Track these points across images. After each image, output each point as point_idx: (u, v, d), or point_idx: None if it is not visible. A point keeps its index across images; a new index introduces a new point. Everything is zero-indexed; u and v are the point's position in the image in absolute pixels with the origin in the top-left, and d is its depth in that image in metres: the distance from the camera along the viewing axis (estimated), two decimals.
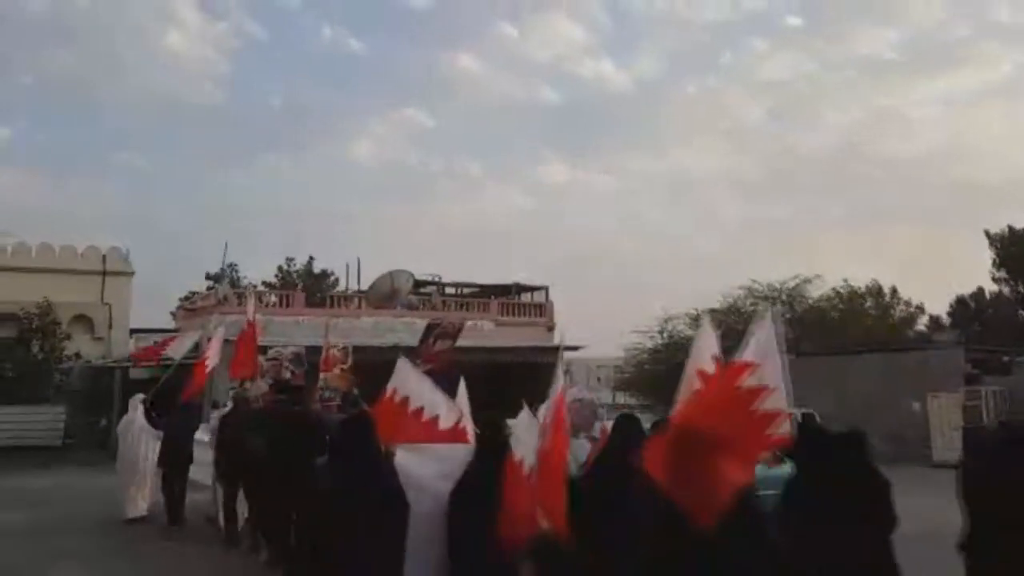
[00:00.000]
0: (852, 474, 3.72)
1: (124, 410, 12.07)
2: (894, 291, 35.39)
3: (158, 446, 10.67)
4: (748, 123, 66.57)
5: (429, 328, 14.12)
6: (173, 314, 29.14)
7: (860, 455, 3.86)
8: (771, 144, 65.77)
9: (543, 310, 30.20)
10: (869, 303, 34.41)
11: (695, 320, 35.11)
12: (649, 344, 32.75)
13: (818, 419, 13.96)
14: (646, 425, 4.98)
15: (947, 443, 19.67)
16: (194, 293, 31.37)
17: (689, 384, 3.86)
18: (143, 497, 10.90)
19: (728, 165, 65.26)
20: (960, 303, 37.95)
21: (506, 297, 30.63)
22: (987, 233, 36.21)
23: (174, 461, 10.34)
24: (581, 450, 5.06)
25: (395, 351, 7.72)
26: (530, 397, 5.20)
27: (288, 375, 10.80)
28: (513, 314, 29.19)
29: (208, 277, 34.40)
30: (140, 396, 11.62)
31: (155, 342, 22.90)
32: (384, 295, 26.20)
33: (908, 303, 36.12)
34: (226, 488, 9.32)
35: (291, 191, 63.10)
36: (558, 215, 65.45)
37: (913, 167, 60.78)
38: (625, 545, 3.92)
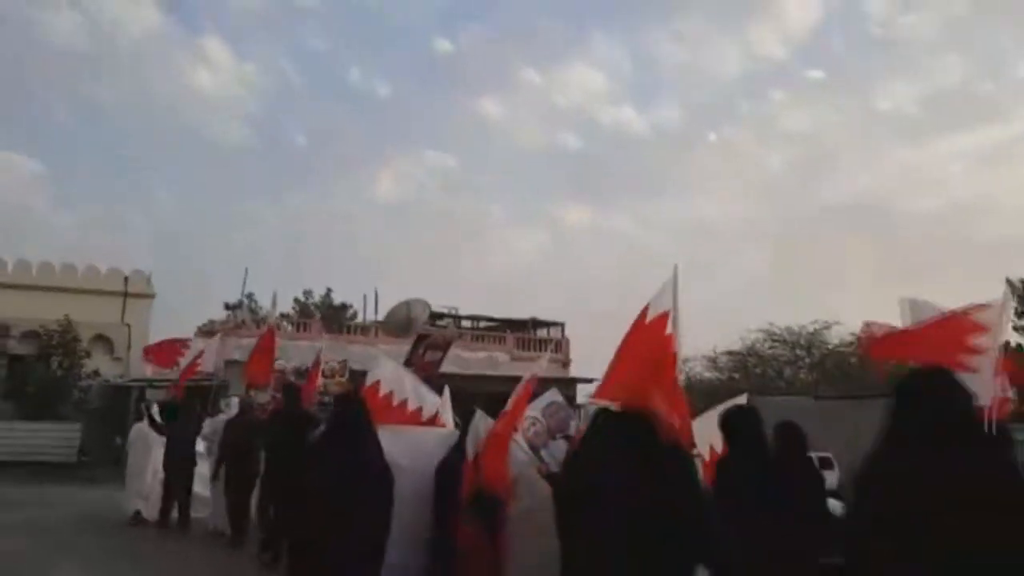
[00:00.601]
0: None
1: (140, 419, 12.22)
2: None
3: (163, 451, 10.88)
4: (768, 173, 66.82)
5: (419, 339, 14.54)
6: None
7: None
8: (791, 194, 65.90)
9: (559, 346, 30.20)
10: None
11: (713, 362, 35.03)
12: None
13: (835, 463, 13.86)
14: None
15: None
16: (212, 321, 31.68)
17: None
18: (148, 500, 11.02)
19: (747, 214, 65.36)
20: None
21: (522, 332, 30.67)
22: (1008, 281, 35.90)
23: (177, 466, 10.52)
24: (558, 450, 5.33)
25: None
26: None
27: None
28: (529, 348, 29.21)
29: (227, 307, 34.77)
30: (146, 404, 11.95)
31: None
32: (400, 324, 26.28)
33: None
34: (234, 492, 9.39)
35: (314, 226, 63.83)
36: (577, 256, 65.67)
37: (936, 220, 60.62)
38: (605, 531, 3.79)
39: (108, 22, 58.08)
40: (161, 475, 10.79)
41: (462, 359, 26.50)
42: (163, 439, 10.93)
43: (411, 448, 5.41)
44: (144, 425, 11.37)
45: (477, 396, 9.23)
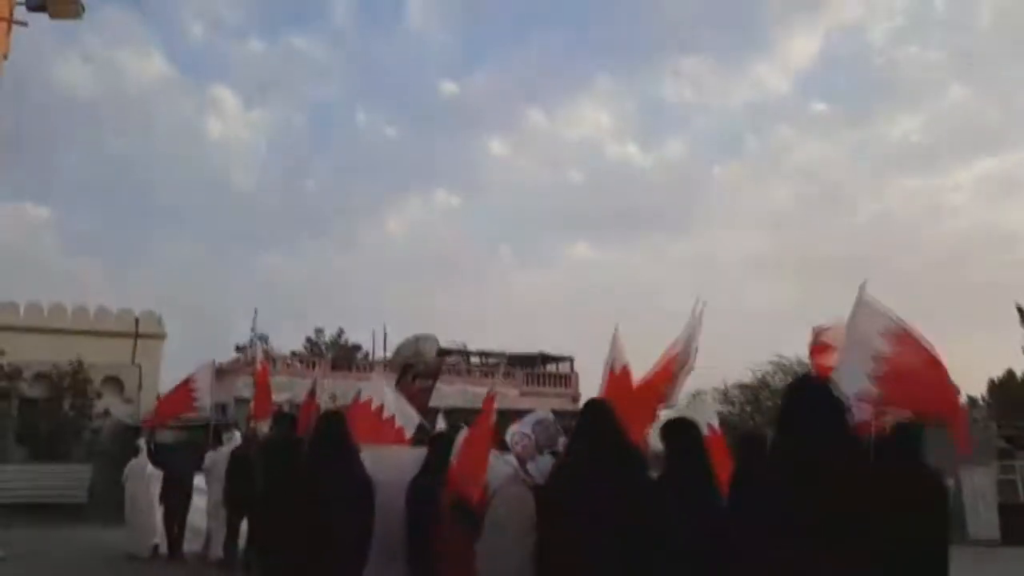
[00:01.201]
0: None
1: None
2: None
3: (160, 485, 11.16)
4: (774, 205, 66.98)
5: (405, 368, 14.67)
6: None
7: None
8: (797, 227, 65.97)
9: (568, 381, 30.15)
10: None
11: (724, 395, 34.75)
12: None
13: None
14: None
15: (983, 519, 19.07)
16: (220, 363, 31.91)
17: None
18: (150, 535, 11.21)
19: (754, 246, 65.44)
20: (995, 384, 37.53)
21: (531, 367, 30.64)
22: (1019, 308, 35.67)
23: (174, 498, 10.82)
24: (544, 464, 5.43)
25: None
26: None
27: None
28: (538, 384, 29.19)
29: (238, 348, 34.96)
30: (143, 440, 12.21)
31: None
32: (408, 360, 26.37)
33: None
34: (230, 516, 9.56)
35: (323, 267, 64.30)
36: (584, 291, 65.75)
37: (945, 250, 60.45)
38: (590, 542, 4.21)
39: (117, 73, 59.35)
40: (160, 508, 11.04)
41: (470, 394, 26.47)
42: (159, 473, 11.20)
43: (389, 464, 5.66)
44: (137, 462, 11.66)
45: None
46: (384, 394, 6.64)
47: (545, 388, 29.16)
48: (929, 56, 66.39)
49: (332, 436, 5.30)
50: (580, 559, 4.09)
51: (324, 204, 68.14)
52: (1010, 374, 37.52)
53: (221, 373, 26.07)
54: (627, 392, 5.84)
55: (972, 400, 36.61)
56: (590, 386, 30.12)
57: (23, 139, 56.74)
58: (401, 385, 13.64)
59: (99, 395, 24.81)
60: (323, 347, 40.03)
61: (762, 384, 33.64)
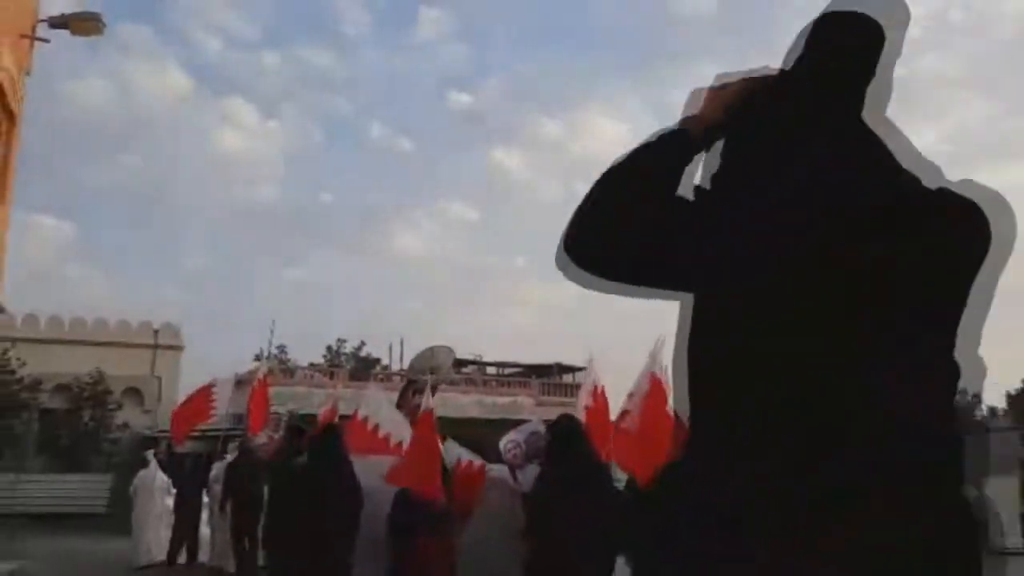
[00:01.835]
0: None
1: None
2: None
3: (172, 497, 11.43)
4: None
5: (408, 384, 14.79)
6: None
7: None
8: None
9: None
10: None
11: None
12: None
13: None
14: None
15: (1008, 528, 18.89)
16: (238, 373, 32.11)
17: None
18: (153, 548, 11.44)
19: None
20: (1011, 397, 37.37)
21: (547, 377, 30.62)
22: None
23: (185, 509, 11.07)
24: (531, 473, 5.77)
25: None
26: None
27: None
28: (554, 394, 29.14)
29: (257, 359, 35.16)
30: (151, 452, 12.45)
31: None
32: (423, 371, 26.41)
33: (963, 392, 35.26)
34: (234, 530, 9.67)
35: (340, 281, 64.62)
36: (604, 301, 65.71)
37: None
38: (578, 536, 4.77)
39: (136, 87, 59.99)
40: (170, 519, 11.27)
41: (486, 404, 26.52)
42: (167, 484, 11.44)
43: (377, 474, 6.03)
44: (146, 473, 11.84)
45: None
46: (379, 409, 7.17)
47: (562, 397, 29.08)
48: (948, 65, 65.97)
49: (327, 448, 5.94)
50: (564, 559, 4.62)
51: (340, 216, 68.50)
52: None
53: (240, 384, 26.33)
54: (603, 412, 7.00)
55: (992, 411, 36.48)
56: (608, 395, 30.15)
57: (44, 154, 57.61)
58: (403, 402, 13.77)
59: (119, 406, 25.10)
60: (342, 358, 40.13)
61: None
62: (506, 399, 27.66)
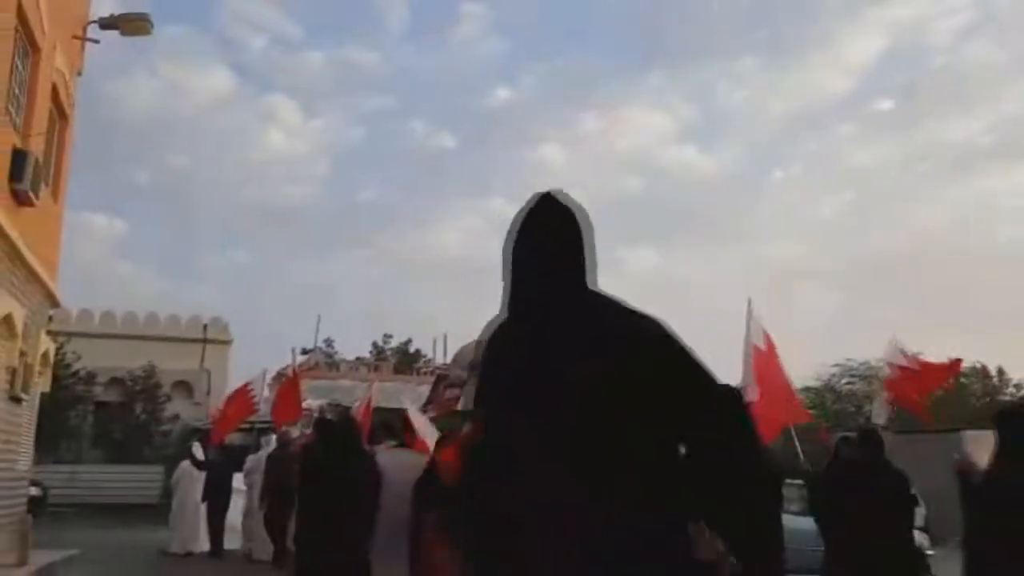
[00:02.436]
0: None
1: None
2: (1000, 372, 33.57)
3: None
4: (836, 209, 65.28)
5: (439, 379, 14.82)
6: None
7: None
8: (859, 230, 64.08)
9: None
10: (975, 384, 32.72)
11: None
12: None
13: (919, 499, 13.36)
14: None
15: None
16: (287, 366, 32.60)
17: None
18: (192, 538, 11.71)
19: (814, 250, 63.75)
20: None
21: None
22: None
23: (215, 498, 11.26)
24: None
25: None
26: None
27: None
28: None
29: (304, 352, 35.65)
30: (196, 443, 12.74)
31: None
32: (467, 364, 26.46)
33: (1019, 385, 34.17)
34: (267, 520, 9.82)
35: (384, 276, 65.10)
36: (643, 299, 64.92)
37: (1009, 253, 57.95)
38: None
39: (182, 86, 61.06)
40: (203, 509, 11.51)
41: None
42: (203, 475, 11.63)
43: (399, 466, 6.15)
44: (187, 464, 12.05)
45: None
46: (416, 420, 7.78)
47: None
48: (993, 55, 63.89)
49: (343, 436, 6.18)
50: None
51: (382, 214, 68.98)
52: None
53: (280, 377, 26.73)
54: (775, 366, 7.05)
55: None
56: None
57: (96, 153, 59.02)
58: (434, 396, 13.85)
59: (169, 399, 25.65)
60: (388, 353, 40.47)
61: (827, 387, 32.95)
62: None
